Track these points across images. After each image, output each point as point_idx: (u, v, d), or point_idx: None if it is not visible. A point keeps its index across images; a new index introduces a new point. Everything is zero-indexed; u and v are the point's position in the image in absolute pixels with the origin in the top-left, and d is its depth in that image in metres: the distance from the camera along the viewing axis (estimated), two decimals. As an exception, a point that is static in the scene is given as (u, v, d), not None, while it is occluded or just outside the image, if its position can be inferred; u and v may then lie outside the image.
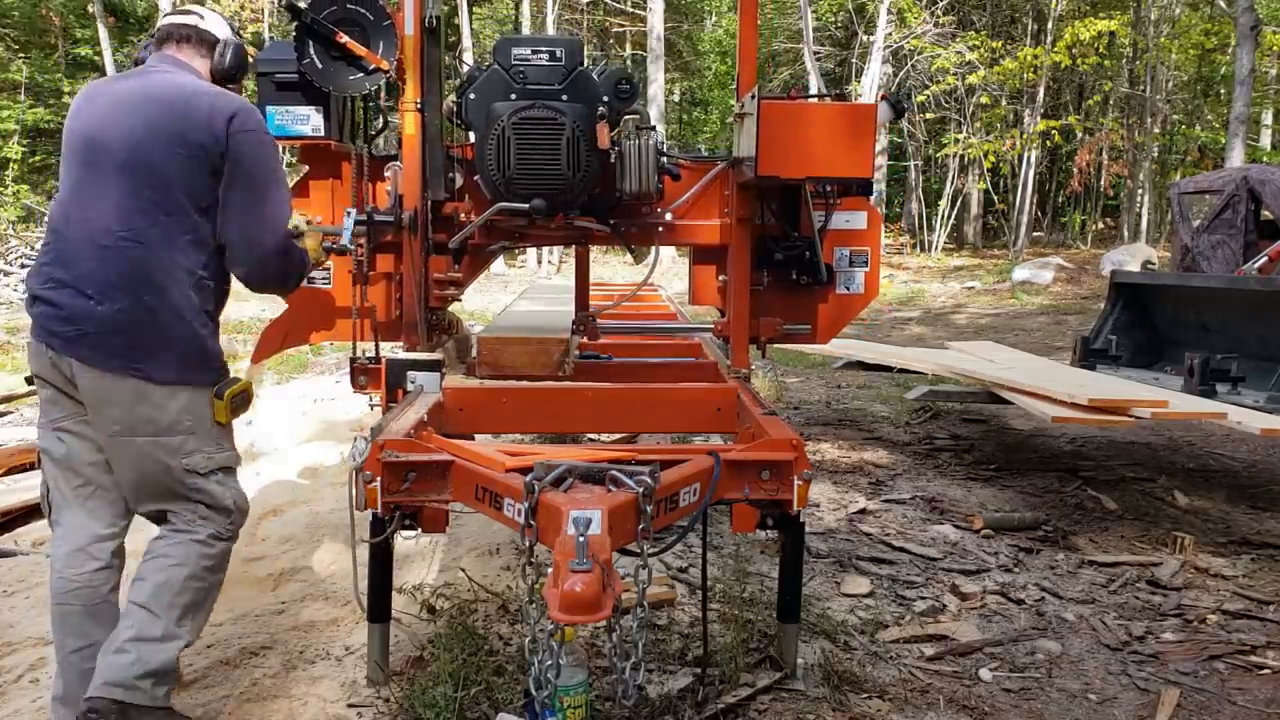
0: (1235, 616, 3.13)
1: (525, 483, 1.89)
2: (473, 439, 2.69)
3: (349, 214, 2.73)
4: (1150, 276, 7.55)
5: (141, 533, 2.41)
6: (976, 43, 20.98)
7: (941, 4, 22.69)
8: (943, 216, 24.27)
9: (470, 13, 21.96)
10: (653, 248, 3.53)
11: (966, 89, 21.96)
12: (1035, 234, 25.30)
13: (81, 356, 2.14)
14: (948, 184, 24.28)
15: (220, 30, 2.44)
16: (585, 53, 3.00)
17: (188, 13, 2.45)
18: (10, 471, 4.51)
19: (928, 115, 23.51)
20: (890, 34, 21.32)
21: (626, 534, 1.89)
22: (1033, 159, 22.27)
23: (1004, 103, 22.94)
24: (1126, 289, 5.97)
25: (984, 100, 22.11)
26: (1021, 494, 4.50)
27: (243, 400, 2.35)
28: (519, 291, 7.47)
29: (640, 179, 2.92)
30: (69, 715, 2.12)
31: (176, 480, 2.22)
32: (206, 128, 2.20)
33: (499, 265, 18.51)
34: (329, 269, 3.13)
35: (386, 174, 3.01)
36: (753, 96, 2.78)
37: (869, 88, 20.88)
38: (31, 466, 4.65)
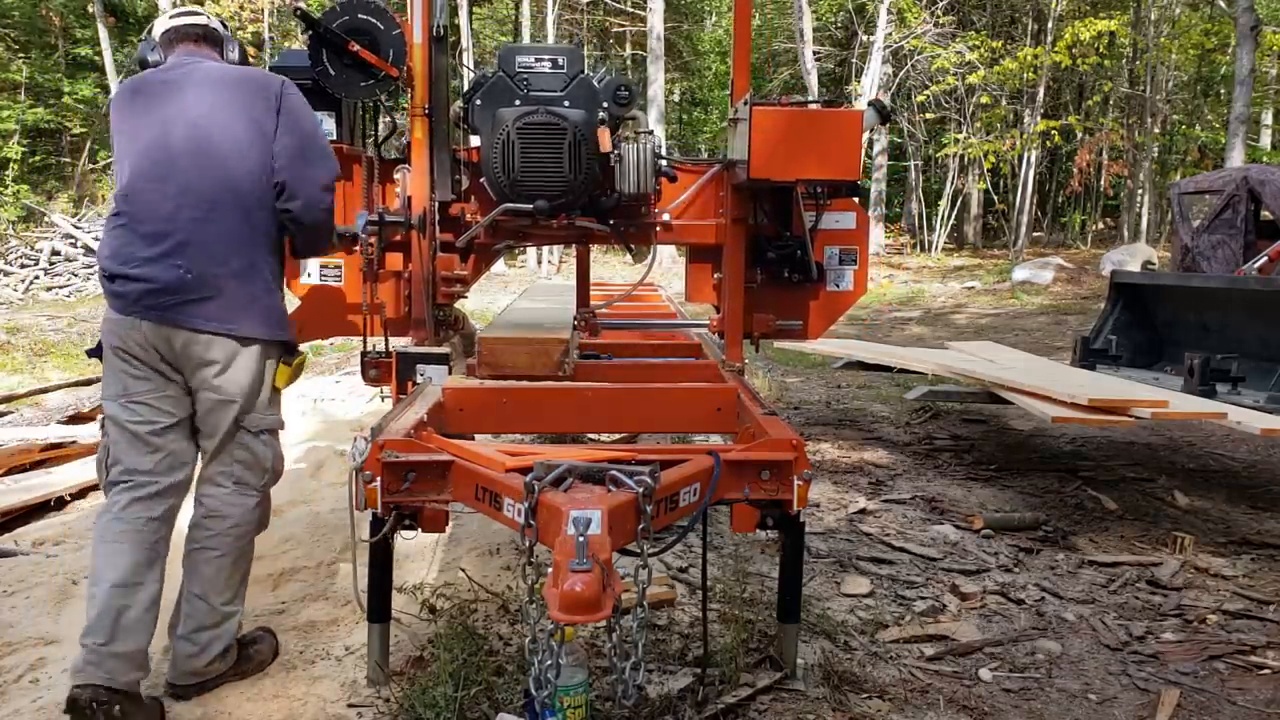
0: (1235, 616, 3.12)
1: (525, 483, 1.89)
2: (473, 439, 2.70)
3: (361, 215, 2.94)
4: (1150, 276, 7.54)
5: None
6: (976, 43, 20.98)
7: (941, 4, 22.69)
8: (943, 216, 24.27)
9: (470, 13, 21.95)
10: (651, 247, 3.59)
11: (966, 89, 21.95)
12: (1035, 234, 25.30)
13: (179, 322, 2.31)
14: (948, 184, 24.28)
15: (221, 29, 2.63)
16: (586, 57, 3.10)
17: (194, 13, 2.58)
18: (10, 471, 4.51)
19: (928, 115, 23.51)
20: (890, 34, 21.32)
21: (626, 534, 1.89)
22: (1033, 159, 22.27)
23: (1004, 103, 22.93)
24: (1126, 289, 5.97)
25: (984, 100, 22.10)
26: (1021, 494, 4.50)
27: (299, 370, 2.58)
28: (519, 291, 7.47)
29: (638, 181, 3.05)
30: (95, 647, 2.19)
31: (227, 434, 2.43)
32: (265, 101, 2.43)
33: (499, 265, 18.51)
34: (340, 267, 3.29)
35: (396, 176, 3.16)
36: (746, 103, 2.92)
37: (869, 88, 20.90)
38: (32, 466, 4.66)
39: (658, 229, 3.32)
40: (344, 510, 3.56)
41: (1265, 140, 23.10)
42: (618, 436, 3.99)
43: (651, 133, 3.17)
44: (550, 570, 1.72)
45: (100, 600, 2.23)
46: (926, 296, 15.59)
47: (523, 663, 2.38)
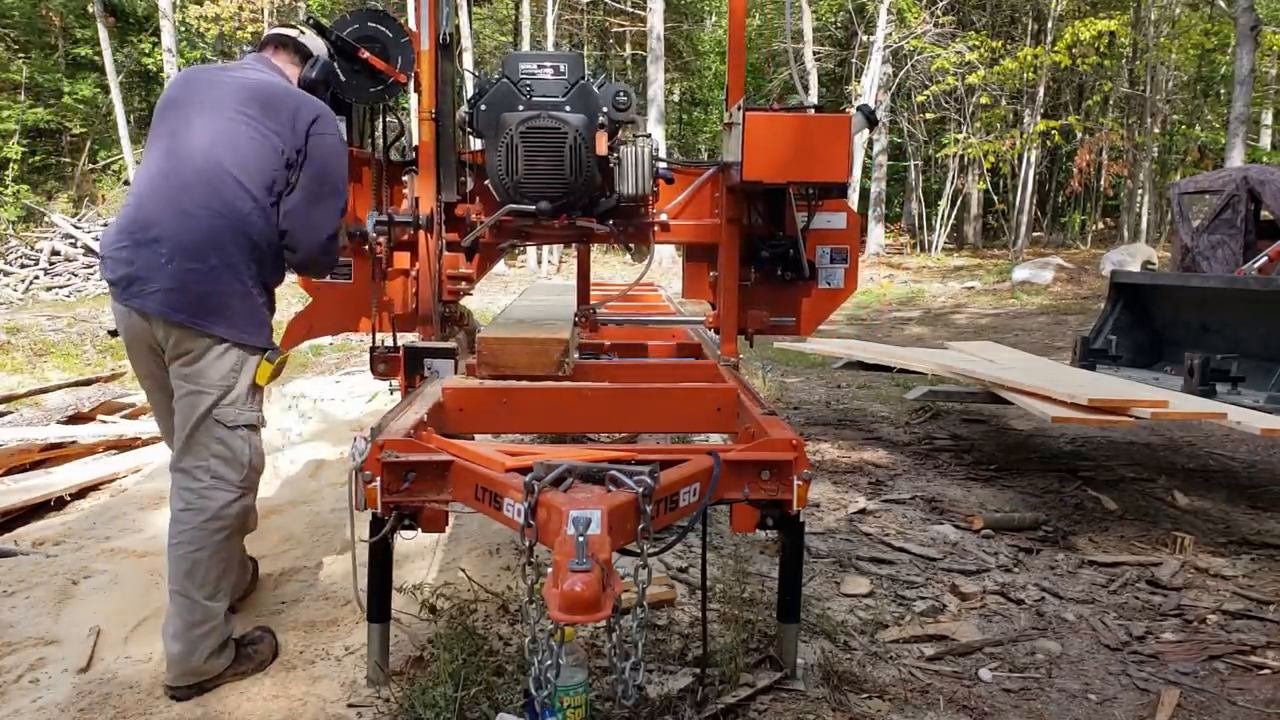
0: (1235, 616, 3.13)
1: (525, 483, 1.89)
2: (473, 439, 2.70)
3: (372, 215, 3.11)
4: (1150, 276, 7.54)
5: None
6: (976, 43, 20.98)
7: (941, 4, 22.69)
8: (943, 216, 24.27)
9: (470, 13, 21.94)
10: (650, 247, 3.66)
11: (966, 89, 21.96)
12: (1035, 234, 25.31)
13: (154, 311, 2.39)
14: (948, 184, 24.29)
15: (316, 47, 2.81)
16: (586, 61, 3.18)
17: (291, 26, 2.85)
18: (10, 471, 4.51)
19: (928, 115, 23.51)
20: (890, 34, 21.32)
21: (626, 534, 1.89)
22: (1033, 159, 22.27)
23: (1004, 103, 22.94)
24: (1126, 289, 5.97)
25: (984, 100, 22.10)
26: (1021, 494, 4.50)
27: (280, 368, 2.62)
28: (519, 291, 7.47)
29: (636, 182, 3.20)
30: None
31: (195, 424, 2.45)
32: (290, 124, 2.51)
33: (499, 266, 18.49)
34: (350, 265, 3.39)
35: (404, 178, 3.30)
36: (739, 108, 3.07)
37: (869, 88, 20.90)
38: (32, 466, 4.66)
39: (656, 229, 3.44)
40: (344, 510, 3.56)
41: (1265, 140, 23.12)
42: (618, 436, 3.99)
43: (649, 136, 3.30)
44: (550, 570, 1.72)
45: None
46: (926, 296, 15.60)
47: (523, 663, 2.38)
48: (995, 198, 26.18)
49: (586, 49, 27.62)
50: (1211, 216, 6.83)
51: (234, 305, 2.45)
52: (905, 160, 26.29)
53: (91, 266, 15.09)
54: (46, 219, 17.88)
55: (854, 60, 23.66)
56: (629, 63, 27.79)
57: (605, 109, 3.16)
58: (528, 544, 1.88)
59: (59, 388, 6.57)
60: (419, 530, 2.29)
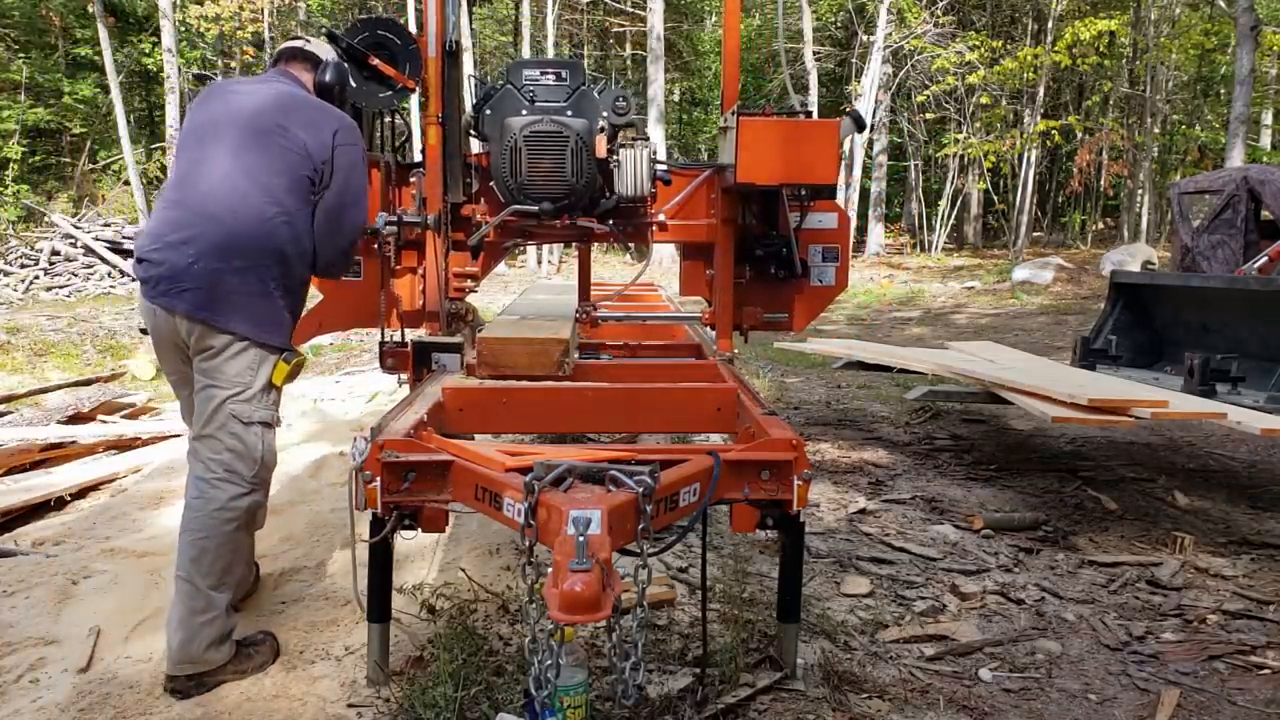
0: (1235, 616, 3.13)
1: (525, 483, 1.89)
2: (473, 439, 2.70)
3: (381, 215, 3.20)
4: (1150, 276, 7.53)
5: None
6: (976, 43, 20.98)
7: (941, 4, 22.69)
8: (943, 216, 24.28)
9: (470, 13, 21.94)
10: (649, 246, 3.75)
11: (966, 89, 21.96)
12: (1035, 234, 25.30)
13: (179, 309, 2.48)
14: (948, 184, 24.29)
15: (324, 53, 2.91)
16: (587, 63, 3.26)
17: (299, 38, 2.96)
18: (10, 471, 4.50)
19: (928, 115, 23.51)
20: (890, 34, 21.32)
21: (626, 534, 1.89)
22: (1033, 159, 22.27)
23: (1004, 103, 22.94)
24: (1126, 289, 5.97)
25: (984, 100, 22.10)
26: (1021, 494, 4.50)
27: (297, 370, 2.70)
28: (519, 291, 7.47)
29: (635, 184, 3.32)
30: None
31: (210, 418, 2.52)
32: (315, 135, 2.63)
33: (500, 265, 18.50)
34: (360, 263, 3.52)
35: (411, 180, 3.43)
36: (734, 112, 3.17)
37: (869, 88, 20.91)
38: (32, 466, 4.66)
39: (654, 228, 3.57)
40: (344, 510, 3.57)
41: (1265, 140, 23.12)
42: (618, 436, 3.99)
43: (648, 139, 3.42)
44: (550, 570, 1.72)
45: None
46: (926, 296, 15.59)
47: (523, 663, 2.38)
48: (995, 198, 26.18)
49: (586, 49, 27.65)
50: (1211, 216, 6.83)
51: (255, 305, 2.53)
52: (905, 160, 26.29)
53: (91, 267, 15.10)
54: (46, 219, 17.86)
55: (854, 60, 23.67)
56: (629, 63, 27.80)
57: (605, 113, 3.28)
58: (528, 544, 1.88)
59: (59, 388, 6.56)
60: (419, 530, 2.29)
